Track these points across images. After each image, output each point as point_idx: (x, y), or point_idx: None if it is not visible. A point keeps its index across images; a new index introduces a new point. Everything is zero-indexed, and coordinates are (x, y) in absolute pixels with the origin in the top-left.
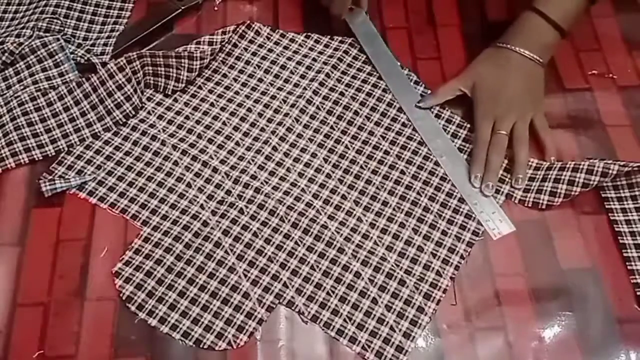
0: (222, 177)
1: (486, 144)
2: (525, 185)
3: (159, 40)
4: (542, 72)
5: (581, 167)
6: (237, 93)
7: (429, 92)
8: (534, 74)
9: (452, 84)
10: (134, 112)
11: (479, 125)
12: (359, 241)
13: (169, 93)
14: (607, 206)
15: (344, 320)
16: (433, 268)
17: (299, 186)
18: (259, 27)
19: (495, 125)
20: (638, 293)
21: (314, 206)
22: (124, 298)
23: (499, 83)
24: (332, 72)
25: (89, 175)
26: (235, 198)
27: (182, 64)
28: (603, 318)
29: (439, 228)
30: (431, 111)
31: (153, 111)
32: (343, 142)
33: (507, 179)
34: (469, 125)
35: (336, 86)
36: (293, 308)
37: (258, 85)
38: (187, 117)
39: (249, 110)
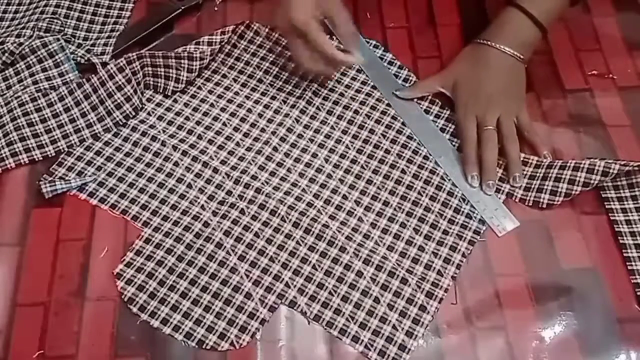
0: (223, 177)
1: (474, 142)
2: (526, 184)
3: (159, 40)
4: (523, 70)
5: (582, 166)
6: (236, 94)
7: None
8: (514, 71)
9: (432, 81)
10: (134, 113)
11: (463, 125)
12: (361, 240)
13: (169, 94)
14: (607, 206)
15: (347, 319)
16: (434, 268)
17: (300, 186)
18: (258, 27)
19: (479, 123)
20: (638, 293)
21: (315, 206)
22: (125, 300)
23: (478, 80)
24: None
25: (90, 176)
26: (236, 199)
27: (182, 65)
28: (603, 318)
29: (440, 227)
30: (429, 112)
31: (153, 112)
32: (344, 142)
33: (507, 178)
34: None
35: (336, 87)
36: (295, 308)
37: (258, 86)
38: (187, 118)
39: (249, 111)
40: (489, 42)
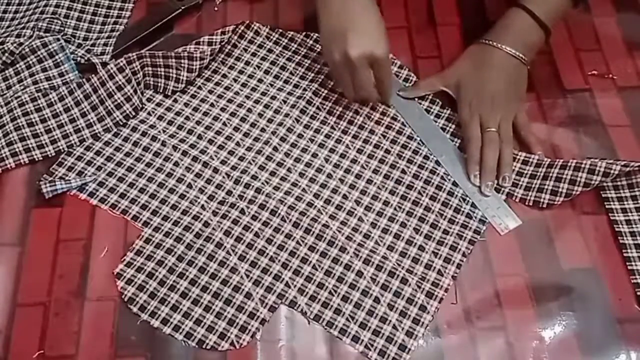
0: (223, 177)
1: (479, 141)
2: (527, 183)
3: (159, 40)
4: (526, 72)
5: (583, 166)
6: (237, 94)
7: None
8: (517, 72)
9: (435, 79)
10: (134, 113)
11: (467, 124)
12: (361, 240)
13: (169, 94)
14: (607, 206)
15: (347, 319)
16: (435, 267)
17: (300, 186)
18: (258, 27)
19: (482, 123)
20: (638, 293)
21: (315, 206)
22: (125, 299)
23: (482, 80)
24: None
25: (90, 176)
26: (236, 198)
27: (182, 65)
28: (603, 318)
29: (440, 227)
30: (430, 111)
31: (153, 112)
32: (344, 142)
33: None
34: None
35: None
36: (295, 308)
37: (258, 86)
38: (187, 118)
39: (249, 110)
40: (493, 43)
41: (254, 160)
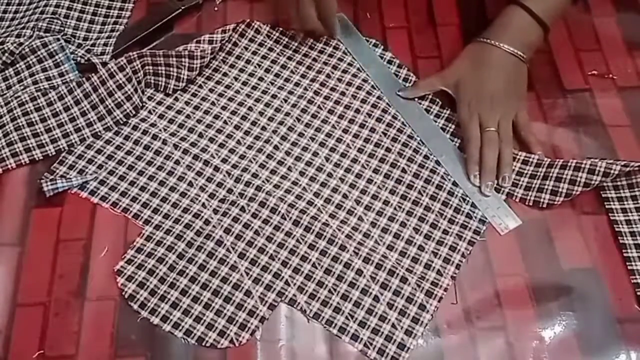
0: (224, 175)
1: (478, 141)
2: (527, 183)
3: (159, 40)
4: (525, 70)
5: (583, 166)
6: (237, 92)
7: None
8: (517, 71)
9: (435, 79)
10: (134, 112)
11: (466, 124)
12: (361, 239)
13: (170, 92)
14: (607, 206)
15: (346, 318)
16: (434, 267)
17: (301, 185)
18: (258, 26)
19: (481, 123)
20: (638, 293)
21: (316, 204)
22: (126, 296)
23: (481, 80)
24: (333, 73)
25: (91, 174)
26: (237, 196)
27: (183, 63)
28: (603, 318)
29: (440, 227)
30: (430, 111)
31: (154, 110)
32: (344, 141)
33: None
34: None
35: (337, 86)
36: (295, 306)
37: (259, 84)
38: (188, 116)
39: (250, 109)
40: (491, 41)
41: (254, 159)
